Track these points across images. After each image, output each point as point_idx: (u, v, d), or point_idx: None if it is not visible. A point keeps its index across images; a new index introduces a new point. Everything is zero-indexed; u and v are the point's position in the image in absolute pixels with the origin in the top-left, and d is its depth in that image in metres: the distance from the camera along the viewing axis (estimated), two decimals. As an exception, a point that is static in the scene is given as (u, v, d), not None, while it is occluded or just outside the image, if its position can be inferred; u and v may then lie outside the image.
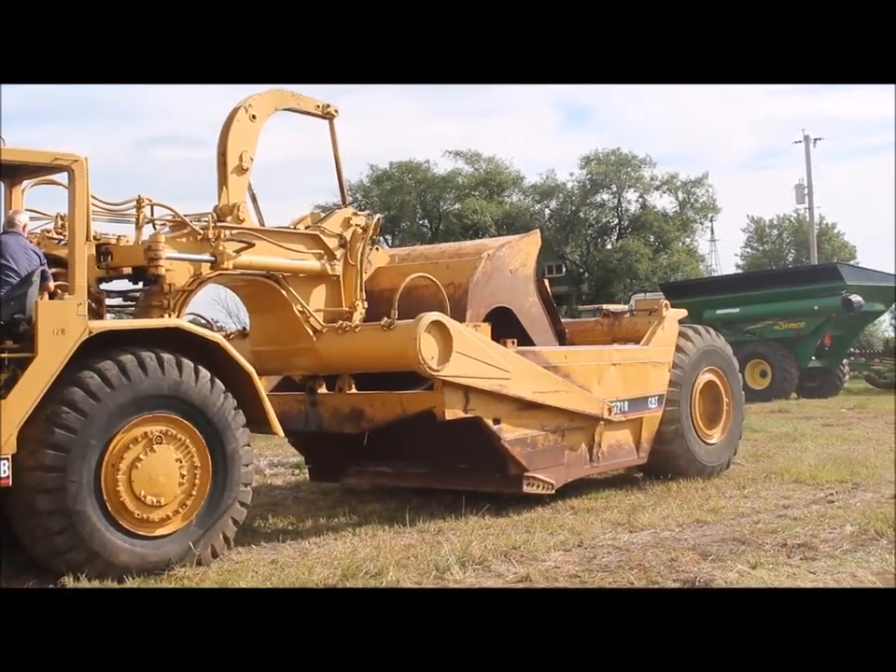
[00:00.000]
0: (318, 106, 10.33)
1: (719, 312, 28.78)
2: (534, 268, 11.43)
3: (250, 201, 9.74)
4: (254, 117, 9.68)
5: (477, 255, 10.77)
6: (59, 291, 7.80)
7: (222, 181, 9.43)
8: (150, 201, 8.83)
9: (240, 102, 9.65)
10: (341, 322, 9.85)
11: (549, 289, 12.04)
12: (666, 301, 12.73)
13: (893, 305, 33.27)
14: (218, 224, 9.04)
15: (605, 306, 26.81)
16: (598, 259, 57.23)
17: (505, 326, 10.65)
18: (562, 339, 12.05)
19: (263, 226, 9.75)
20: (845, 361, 30.29)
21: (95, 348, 7.56)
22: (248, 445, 8.40)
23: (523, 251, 11.27)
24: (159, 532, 7.75)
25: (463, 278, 10.44)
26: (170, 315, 8.59)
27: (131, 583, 7.34)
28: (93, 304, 8.08)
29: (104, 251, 8.52)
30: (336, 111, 10.43)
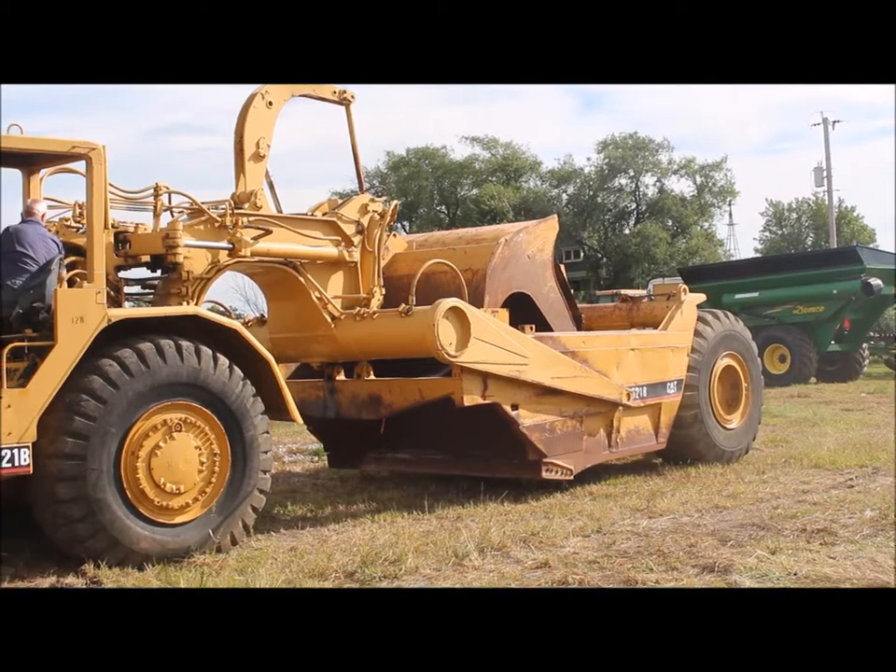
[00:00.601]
0: (335, 92, 10.32)
1: (737, 296, 28.69)
2: (552, 253, 11.40)
3: (267, 188, 9.75)
4: (270, 103, 9.68)
5: (494, 240, 10.74)
6: (77, 279, 7.82)
7: (239, 168, 9.43)
8: (168, 188, 8.84)
9: (256, 89, 9.65)
10: (358, 309, 9.85)
11: (565, 274, 12.03)
12: (685, 286, 12.67)
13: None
14: (236, 211, 9.05)
15: (623, 291, 26.74)
16: (616, 244, 57.14)
17: (523, 311, 10.65)
18: (578, 324, 12.03)
19: (281, 213, 9.75)
20: (864, 345, 30.12)
21: (114, 336, 7.58)
22: (267, 432, 8.42)
23: (540, 236, 11.25)
24: (178, 519, 7.78)
25: (481, 264, 10.43)
26: (188, 303, 8.61)
27: (150, 571, 7.36)
28: (112, 292, 8.10)
29: (122, 239, 8.54)
30: (353, 97, 10.42)
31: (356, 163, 10.73)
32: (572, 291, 12.45)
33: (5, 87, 8.33)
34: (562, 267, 12.17)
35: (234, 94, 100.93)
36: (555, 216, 12.06)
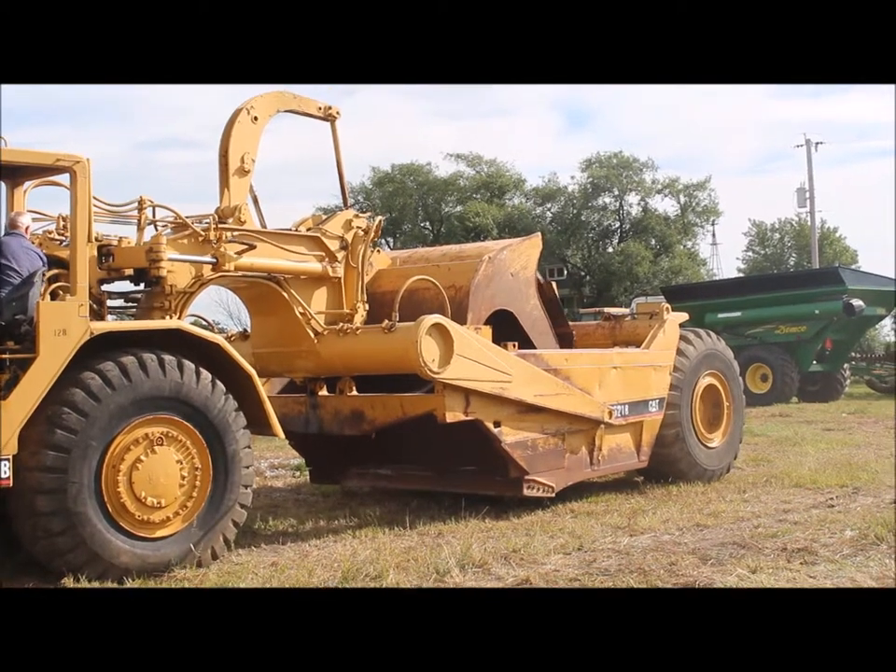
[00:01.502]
0: (320, 108, 10.34)
1: (720, 315, 28.79)
2: (535, 271, 11.43)
3: (252, 203, 9.75)
4: (256, 118, 9.69)
5: (478, 257, 10.76)
6: (60, 292, 7.80)
7: (224, 183, 9.44)
8: (152, 202, 8.85)
9: (242, 104, 9.66)
10: (342, 324, 9.85)
11: (556, 291, 12.08)
12: (668, 305, 12.72)
13: (894, 309, 33.21)
14: (220, 226, 9.05)
15: (606, 309, 26.77)
16: (600, 263, 57.17)
17: (506, 328, 10.66)
18: (570, 341, 12.06)
19: (265, 228, 9.76)
20: (846, 366, 30.28)
21: (97, 349, 7.56)
22: (249, 447, 8.40)
23: (524, 254, 11.27)
24: (159, 533, 7.75)
25: (464, 281, 10.44)
26: (171, 317, 8.60)
27: (130, 584, 7.33)
28: (95, 305, 8.08)
29: (105, 252, 8.52)
30: (338, 113, 10.44)
31: (340, 179, 10.74)
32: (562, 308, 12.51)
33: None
34: (554, 285, 12.23)
35: (223, 107, 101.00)
36: (539, 234, 12.07)
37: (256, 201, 9.91)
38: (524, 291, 11.18)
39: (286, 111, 10.15)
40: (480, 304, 10.46)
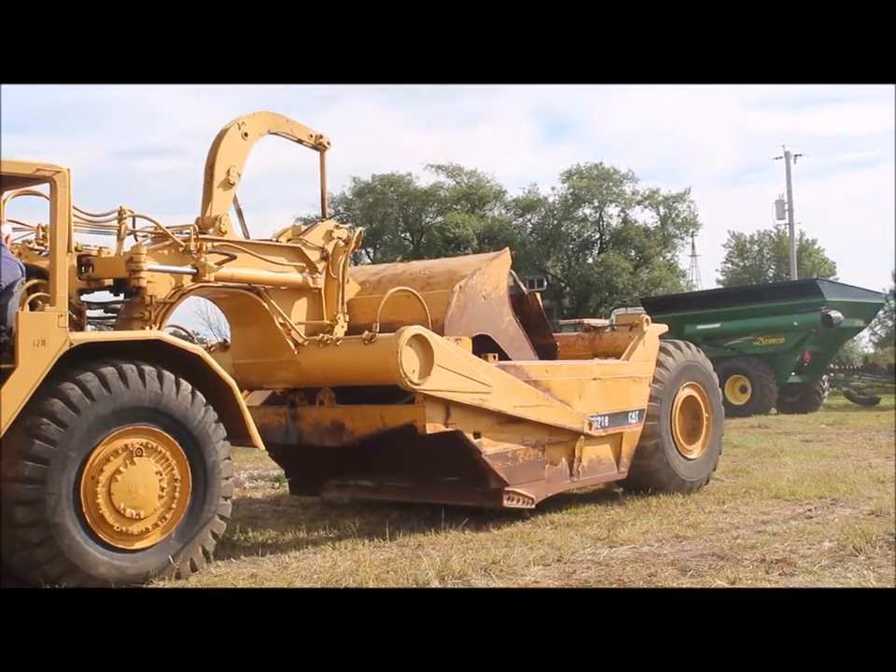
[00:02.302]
0: (311, 136, 10.36)
1: (699, 327, 28.90)
2: (506, 288, 11.30)
3: (236, 215, 9.75)
4: (246, 135, 9.73)
5: (449, 286, 10.60)
6: (39, 302, 7.77)
7: (207, 194, 9.43)
8: (132, 212, 8.83)
9: (233, 119, 9.70)
10: (322, 335, 9.85)
11: (540, 302, 12.09)
12: (647, 316, 12.76)
13: (872, 321, 33.41)
14: (200, 236, 9.04)
15: (586, 320, 26.84)
16: (579, 274, 57.28)
17: (486, 340, 10.67)
18: (553, 352, 12.07)
19: (248, 238, 9.76)
20: (824, 377, 30.45)
21: (76, 360, 7.53)
22: (229, 458, 8.38)
23: (493, 274, 11.15)
24: (138, 545, 7.71)
25: (438, 314, 10.29)
26: (151, 328, 8.57)
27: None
28: (74, 316, 8.06)
29: (85, 262, 8.49)
30: (328, 143, 10.46)
31: (322, 204, 10.66)
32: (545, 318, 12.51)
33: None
34: (538, 295, 12.24)
35: (204, 115, 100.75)
36: (507, 249, 11.81)
37: (240, 213, 9.92)
38: (497, 311, 11.07)
39: (276, 133, 10.18)
40: (456, 335, 10.29)
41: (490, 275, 11.06)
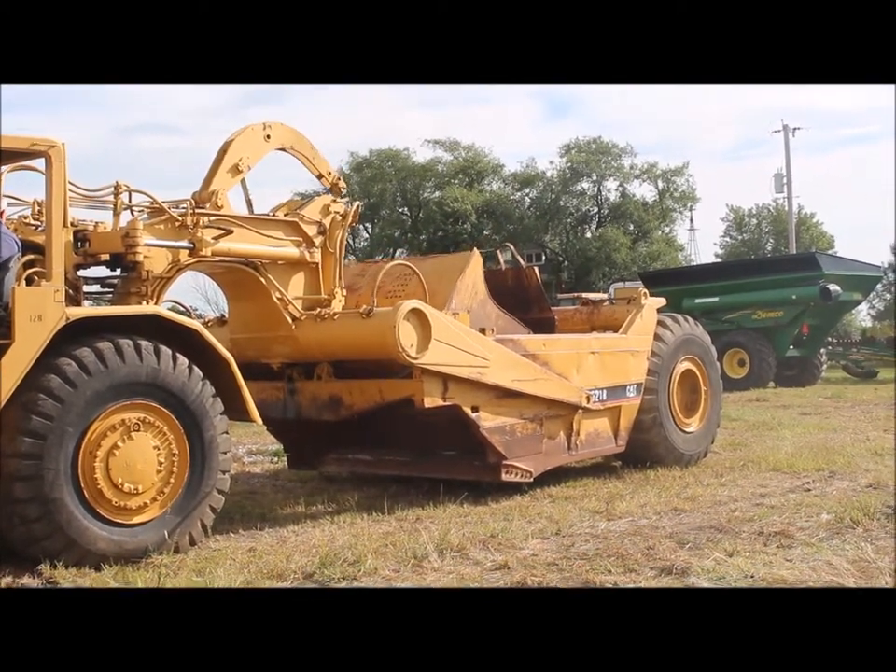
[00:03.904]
0: (330, 174, 10.37)
1: (697, 301, 28.90)
2: (484, 287, 11.06)
3: (245, 205, 9.77)
4: (268, 137, 9.84)
5: None
6: (36, 278, 7.75)
7: (211, 173, 9.42)
8: (128, 187, 8.79)
9: (263, 121, 9.89)
10: (319, 310, 9.83)
11: (538, 276, 12.05)
12: (645, 290, 12.75)
13: (871, 295, 33.43)
14: (197, 211, 9.01)
15: (584, 294, 26.89)
16: (578, 248, 57.33)
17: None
18: (551, 326, 12.04)
19: (252, 213, 9.75)
20: (822, 350, 30.48)
21: (73, 335, 7.52)
22: (226, 433, 8.38)
23: (470, 285, 10.90)
24: (136, 520, 7.72)
25: None
26: (148, 302, 8.55)
27: (108, 571, 7.30)
28: (71, 291, 8.03)
29: (81, 238, 8.48)
30: (344, 188, 10.39)
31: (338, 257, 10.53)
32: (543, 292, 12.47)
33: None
34: (535, 270, 12.21)
35: (204, 92, 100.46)
36: (475, 250, 11.36)
37: (250, 204, 9.93)
38: (483, 312, 10.87)
39: (296, 154, 10.25)
40: None
41: (467, 286, 10.82)
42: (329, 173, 10.44)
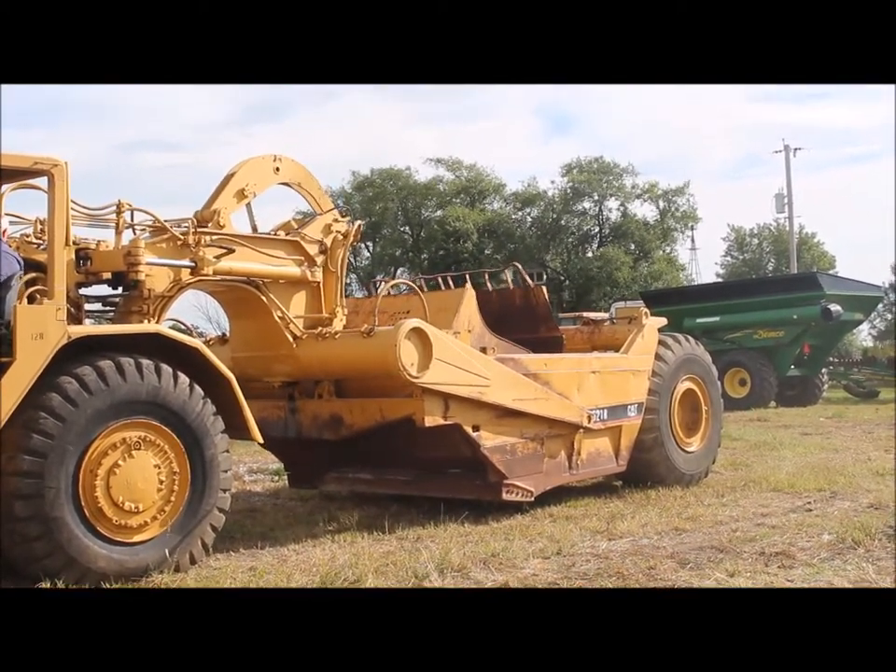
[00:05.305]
0: (336, 220, 10.33)
1: (698, 320, 28.93)
2: (479, 319, 11.09)
3: (248, 217, 9.80)
4: (277, 170, 9.85)
5: None
6: (37, 296, 7.76)
7: (215, 194, 9.44)
8: (130, 205, 8.81)
9: (273, 153, 9.93)
10: (320, 328, 9.84)
11: (546, 295, 12.07)
12: (646, 310, 12.75)
13: (872, 315, 33.43)
14: (199, 230, 9.02)
15: (585, 314, 26.88)
16: (579, 267, 57.27)
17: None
18: (559, 345, 12.02)
19: (256, 231, 9.77)
20: (823, 370, 30.48)
21: (74, 353, 7.53)
22: (227, 451, 8.37)
23: (466, 318, 10.94)
24: (137, 538, 7.71)
25: None
26: (149, 321, 8.55)
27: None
28: (72, 309, 8.03)
29: (83, 256, 8.48)
30: (344, 235, 10.34)
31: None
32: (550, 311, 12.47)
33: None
34: (543, 289, 12.23)
35: (205, 108, 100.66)
36: (467, 286, 11.44)
37: (255, 230, 9.93)
38: (480, 342, 10.80)
39: (302, 192, 10.32)
40: None
41: (463, 322, 10.81)
42: (336, 220, 10.37)
